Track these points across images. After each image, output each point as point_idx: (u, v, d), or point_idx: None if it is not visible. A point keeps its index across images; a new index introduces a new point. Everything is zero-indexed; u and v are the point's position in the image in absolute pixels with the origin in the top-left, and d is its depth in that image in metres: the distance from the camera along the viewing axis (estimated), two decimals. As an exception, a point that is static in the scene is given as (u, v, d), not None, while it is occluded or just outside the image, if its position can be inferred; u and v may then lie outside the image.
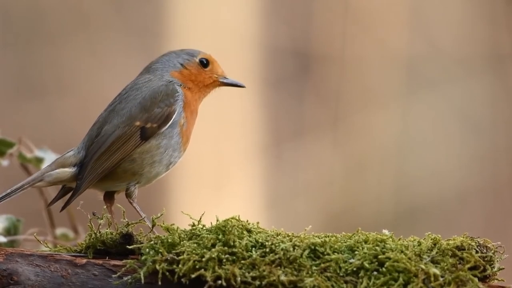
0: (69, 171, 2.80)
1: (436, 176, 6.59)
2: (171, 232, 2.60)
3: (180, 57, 2.93)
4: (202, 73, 2.93)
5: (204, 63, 2.94)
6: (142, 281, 2.56)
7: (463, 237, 2.60)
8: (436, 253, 2.56)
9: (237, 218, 2.61)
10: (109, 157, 2.77)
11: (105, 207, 2.81)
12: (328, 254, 2.56)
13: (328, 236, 2.61)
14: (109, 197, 2.87)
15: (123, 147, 2.77)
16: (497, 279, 2.59)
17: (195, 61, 2.93)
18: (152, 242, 2.57)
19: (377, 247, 2.56)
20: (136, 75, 2.98)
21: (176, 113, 2.82)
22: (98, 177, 2.76)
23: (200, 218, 2.64)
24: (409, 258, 2.54)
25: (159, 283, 2.54)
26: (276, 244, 2.57)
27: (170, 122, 2.81)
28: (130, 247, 2.60)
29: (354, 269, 2.55)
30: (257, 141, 6.48)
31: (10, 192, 2.75)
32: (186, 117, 2.84)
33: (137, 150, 2.78)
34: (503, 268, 2.60)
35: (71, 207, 3.07)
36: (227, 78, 2.99)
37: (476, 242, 2.59)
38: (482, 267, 2.56)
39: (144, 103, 2.81)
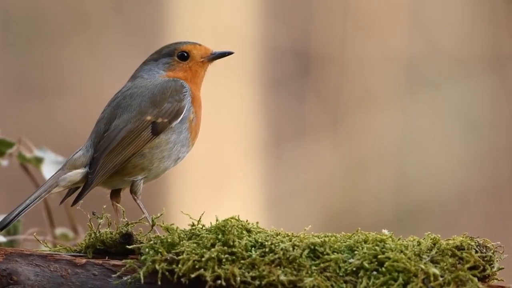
0: (81, 171, 2.80)
1: (436, 176, 6.59)
2: (170, 232, 2.60)
3: (159, 63, 2.92)
4: (186, 66, 2.91)
5: (185, 56, 2.92)
6: (142, 281, 2.56)
7: (463, 237, 2.60)
8: (436, 253, 2.56)
9: (236, 218, 2.61)
10: (120, 152, 2.77)
11: (105, 206, 2.81)
12: (328, 254, 2.56)
13: (328, 236, 2.61)
14: (115, 194, 2.87)
15: (134, 141, 2.77)
16: (496, 279, 2.59)
17: (175, 60, 2.92)
18: (151, 242, 2.57)
19: (376, 247, 2.56)
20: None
21: (185, 108, 2.82)
22: (110, 172, 2.76)
23: (200, 218, 2.64)
24: (409, 258, 2.54)
25: (159, 283, 2.54)
26: (276, 244, 2.57)
27: (180, 117, 2.81)
28: (129, 247, 2.60)
29: (354, 269, 2.55)
30: (257, 141, 6.48)
31: (30, 202, 2.74)
32: (195, 111, 2.85)
33: (147, 145, 2.78)
34: (503, 268, 2.60)
35: (70, 207, 3.08)
36: (214, 53, 2.95)
37: (475, 242, 2.59)
38: (481, 267, 2.56)
39: (153, 98, 2.81)
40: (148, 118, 2.80)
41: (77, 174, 2.80)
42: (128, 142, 2.78)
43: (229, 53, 2.95)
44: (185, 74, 2.91)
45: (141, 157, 2.79)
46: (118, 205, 2.84)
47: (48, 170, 3.25)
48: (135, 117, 2.80)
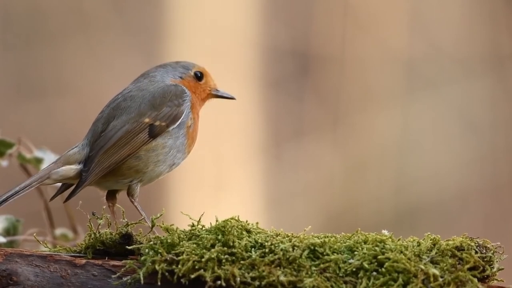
0: (75, 168, 2.82)
1: (436, 176, 6.59)
2: (170, 232, 2.60)
3: (176, 70, 2.97)
4: (198, 86, 2.96)
5: (199, 76, 2.98)
6: (142, 282, 2.55)
7: (463, 238, 2.60)
8: (436, 253, 2.56)
9: (236, 218, 2.61)
10: (116, 151, 2.79)
11: (104, 207, 2.81)
12: (328, 255, 2.56)
13: (328, 237, 2.61)
14: (111, 196, 2.88)
15: (131, 142, 2.79)
16: (496, 280, 2.59)
17: (190, 74, 2.96)
18: (151, 242, 2.57)
19: (376, 248, 2.56)
20: (136, 75, 2.99)
21: (184, 113, 2.85)
22: (104, 171, 2.78)
23: (200, 219, 2.64)
24: (409, 259, 2.54)
25: (159, 283, 2.54)
26: (276, 245, 2.57)
27: (178, 122, 2.84)
28: (129, 247, 2.60)
29: (354, 269, 2.54)
30: (257, 141, 6.48)
31: (19, 190, 2.75)
32: (193, 118, 2.87)
33: (143, 148, 2.80)
34: (503, 269, 2.60)
35: (70, 207, 3.08)
36: (219, 91, 3.02)
37: (475, 243, 2.59)
38: (481, 268, 2.56)
39: (153, 101, 2.84)
40: (146, 120, 2.82)
41: (70, 170, 2.81)
42: (125, 142, 2.79)
43: (232, 98, 3.01)
44: (195, 90, 2.96)
45: (136, 159, 2.80)
46: (117, 205, 2.84)
47: (47, 170, 3.25)
48: (133, 118, 2.82)
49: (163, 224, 2.63)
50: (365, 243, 2.58)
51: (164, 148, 2.82)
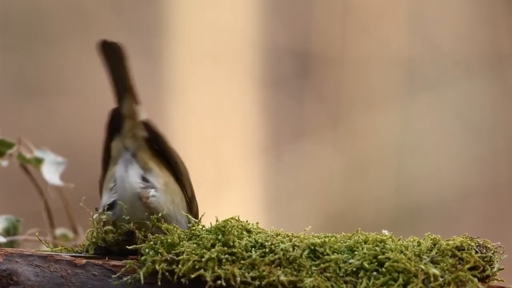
0: None
1: (436, 176, 6.59)
2: (170, 232, 2.60)
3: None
4: None
5: None
6: (142, 282, 2.55)
7: (463, 238, 2.60)
8: (436, 253, 2.56)
9: (236, 218, 2.61)
10: (178, 160, 2.80)
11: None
12: (328, 255, 2.56)
13: (328, 237, 2.61)
14: None
15: (186, 173, 2.80)
16: (496, 280, 2.59)
17: None
18: (151, 242, 2.57)
19: (376, 248, 2.56)
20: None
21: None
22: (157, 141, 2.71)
23: (200, 219, 2.64)
24: (409, 259, 2.54)
25: (159, 283, 2.53)
26: (276, 244, 2.56)
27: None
28: (130, 247, 2.60)
29: (354, 269, 2.54)
30: (257, 142, 6.49)
31: None
32: None
33: (181, 194, 2.73)
34: (503, 269, 2.60)
35: (71, 207, 3.06)
36: None
37: (475, 243, 2.59)
38: (481, 268, 2.56)
39: None
40: (190, 193, 2.79)
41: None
42: (183, 161, 2.78)
43: None
44: None
45: (164, 175, 2.75)
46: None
47: (48, 171, 3.25)
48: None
49: (163, 224, 2.62)
50: (365, 243, 2.58)
51: (173, 207, 2.71)
